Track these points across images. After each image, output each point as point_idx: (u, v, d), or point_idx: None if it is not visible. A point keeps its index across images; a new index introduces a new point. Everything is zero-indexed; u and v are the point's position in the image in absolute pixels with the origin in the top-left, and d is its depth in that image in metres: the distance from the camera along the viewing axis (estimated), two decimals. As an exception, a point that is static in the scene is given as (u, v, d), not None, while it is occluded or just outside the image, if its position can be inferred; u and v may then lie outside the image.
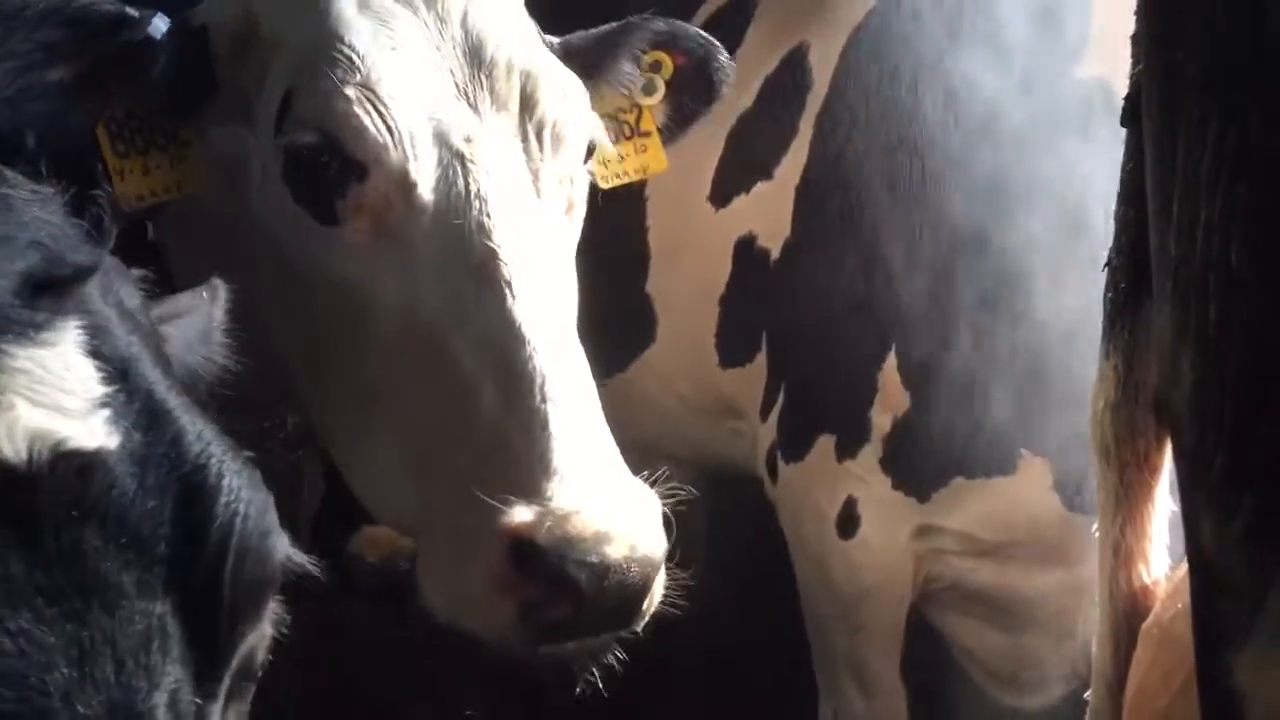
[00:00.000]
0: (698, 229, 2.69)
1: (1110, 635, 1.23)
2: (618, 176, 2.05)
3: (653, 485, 1.63)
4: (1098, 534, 1.25)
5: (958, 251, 2.41)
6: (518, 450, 1.56)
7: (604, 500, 1.54)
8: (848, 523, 2.58)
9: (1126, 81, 2.19)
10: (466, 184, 1.67)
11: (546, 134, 1.75)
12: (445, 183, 1.67)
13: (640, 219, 2.73)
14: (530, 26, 1.88)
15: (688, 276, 2.72)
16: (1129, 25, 2.11)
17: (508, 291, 1.62)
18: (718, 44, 2.06)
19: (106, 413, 0.93)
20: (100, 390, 0.94)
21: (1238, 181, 0.80)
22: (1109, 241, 2.16)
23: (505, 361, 1.60)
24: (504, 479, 1.53)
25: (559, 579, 1.50)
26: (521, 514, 1.51)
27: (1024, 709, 2.73)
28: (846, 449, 2.55)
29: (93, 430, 0.92)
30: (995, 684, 2.74)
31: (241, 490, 0.98)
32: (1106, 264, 1.17)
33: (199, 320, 1.24)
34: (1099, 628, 1.26)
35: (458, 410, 1.61)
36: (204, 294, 1.27)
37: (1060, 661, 2.60)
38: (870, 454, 2.52)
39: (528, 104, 1.75)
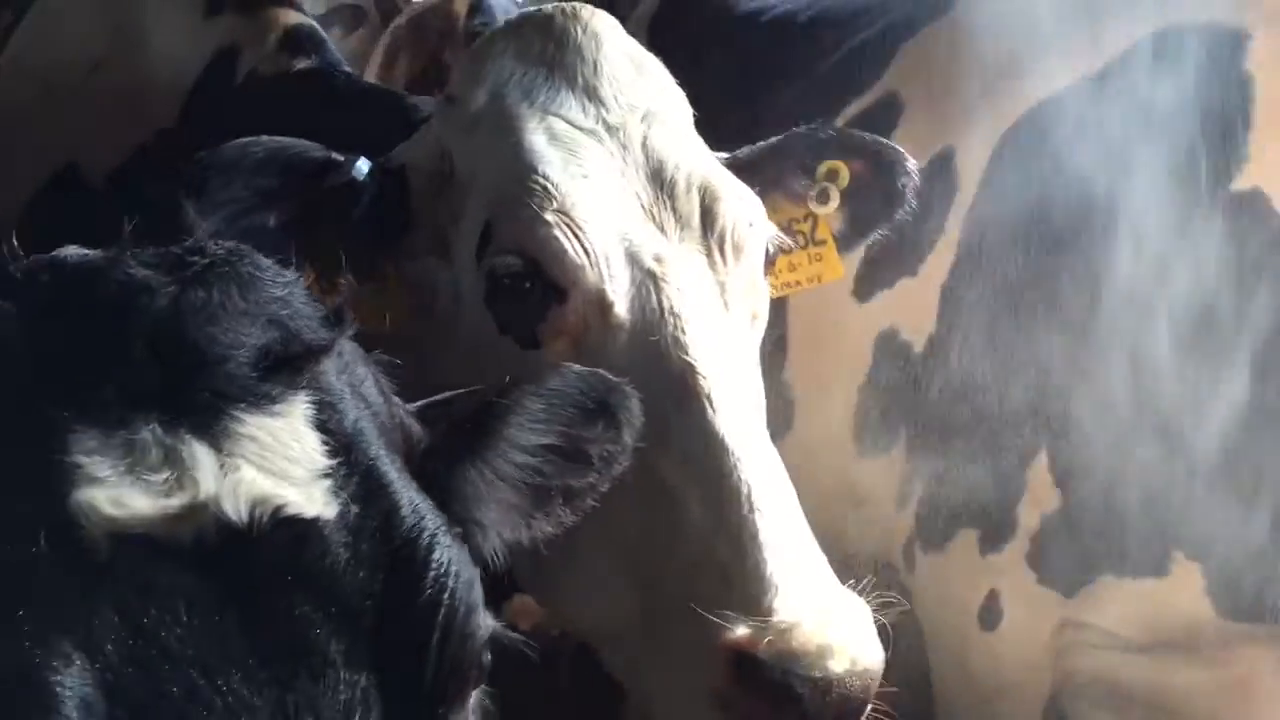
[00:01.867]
0: (839, 320, 2.76)
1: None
2: (789, 286, 2.12)
3: (860, 593, 1.66)
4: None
5: (1102, 349, 2.45)
6: (730, 562, 1.59)
7: (822, 612, 1.57)
8: (989, 615, 2.60)
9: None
10: (660, 301, 1.74)
11: (728, 246, 1.82)
12: (639, 301, 1.74)
13: (783, 306, 2.81)
14: (701, 144, 1.97)
15: (828, 366, 2.79)
16: None
17: (707, 404, 1.67)
18: (901, 151, 2.11)
19: (327, 483, 0.98)
20: (323, 462, 0.99)
21: None
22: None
23: (711, 473, 1.64)
24: (718, 592, 1.56)
25: (783, 694, 1.51)
26: (741, 628, 1.53)
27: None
28: (991, 543, 2.58)
29: (312, 499, 0.96)
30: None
31: (450, 565, 1.01)
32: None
33: None
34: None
35: (665, 523, 1.65)
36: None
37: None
38: (1016, 549, 2.55)
39: (708, 218, 1.82)
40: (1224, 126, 2.33)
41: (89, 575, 0.86)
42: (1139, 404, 2.43)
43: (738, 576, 1.57)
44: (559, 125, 1.81)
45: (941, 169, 2.66)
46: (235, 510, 0.93)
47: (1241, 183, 2.33)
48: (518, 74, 1.86)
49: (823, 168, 2.07)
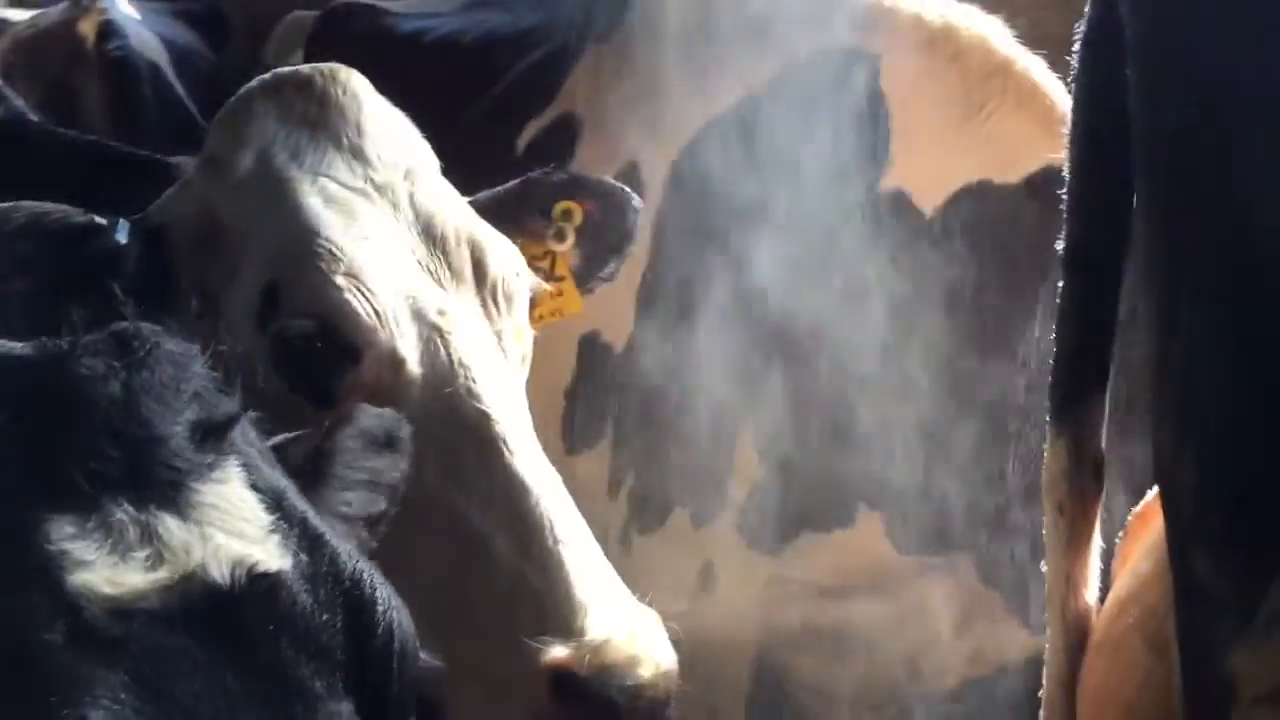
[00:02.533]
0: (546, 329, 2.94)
1: (1063, 647, 1.58)
2: (533, 322, 2.25)
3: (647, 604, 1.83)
4: (1047, 569, 1.60)
5: (787, 337, 2.78)
6: (542, 591, 1.70)
7: (626, 627, 1.71)
8: (705, 583, 2.88)
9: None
10: (448, 354, 1.80)
11: (500, 296, 1.93)
12: (428, 355, 1.80)
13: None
14: (457, 195, 2.05)
15: (537, 372, 2.96)
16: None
17: (504, 448, 1.76)
18: (628, 191, 2.30)
19: (277, 538, 1.06)
20: (266, 518, 1.07)
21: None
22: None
23: (515, 512, 1.74)
24: (534, 620, 1.67)
25: (603, 705, 1.63)
26: (559, 650, 1.64)
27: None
28: (703, 518, 2.86)
29: (270, 553, 1.05)
30: (833, 711, 3.10)
31: (391, 599, 1.12)
32: (1053, 366, 1.54)
33: None
34: (1051, 641, 1.61)
35: (477, 563, 1.74)
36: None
37: (890, 683, 2.99)
38: (726, 520, 2.84)
39: (479, 270, 1.92)
40: (870, 136, 2.72)
41: (104, 651, 0.92)
42: (818, 381, 2.78)
43: (550, 603, 1.68)
44: (331, 187, 1.84)
45: (629, 183, 2.90)
46: (220, 573, 1.00)
47: (887, 183, 2.73)
48: (281, 135, 1.87)
49: (558, 209, 2.20)
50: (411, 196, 1.90)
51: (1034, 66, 2.68)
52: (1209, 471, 1.20)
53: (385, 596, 1.10)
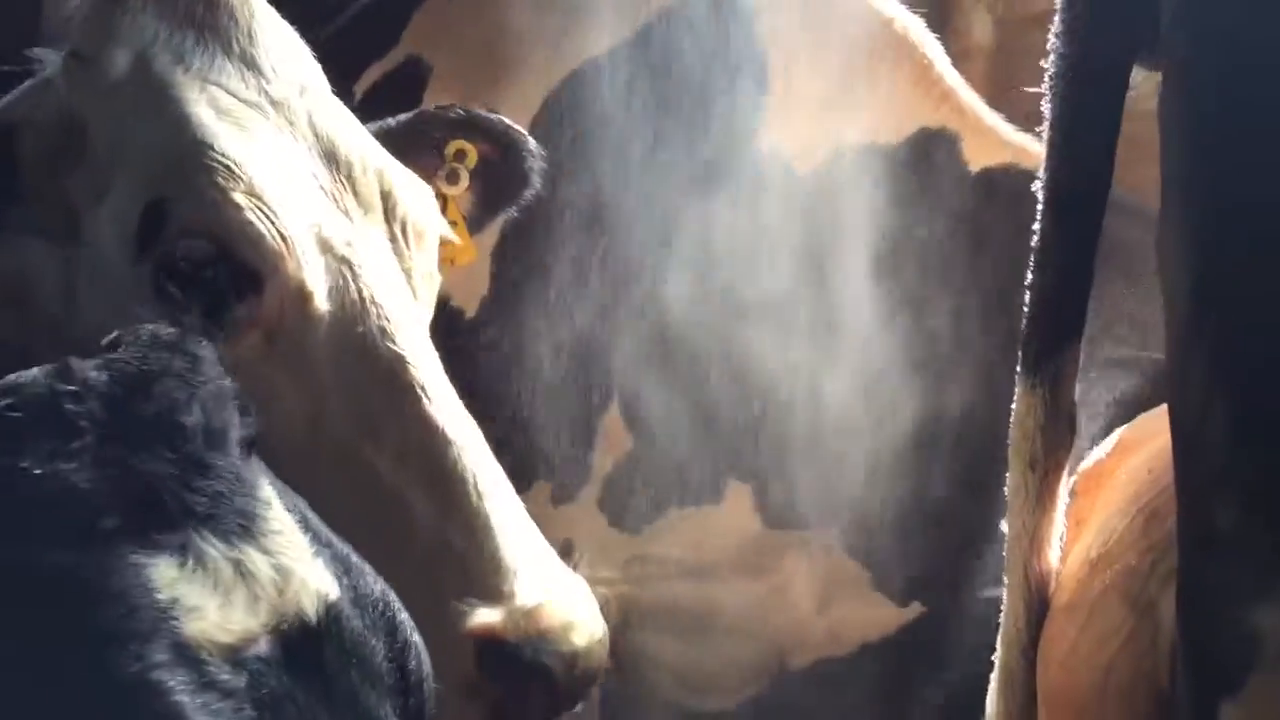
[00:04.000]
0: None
1: (1025, 609, 1.49)
2: None
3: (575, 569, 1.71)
4: (1007, 529, 1.51)
5: (658, 303, 2.64)
6: (467, 552, 1.54)
7: (558, 591, 1.57)
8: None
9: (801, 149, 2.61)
10: (359, 290, 1.61)
11: (410, 232, 1.73)
12: (338, 290, 1.60)
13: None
14: (358, 122, 1.83)
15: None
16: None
17: (422, 395, 1.58)
18: (523, 132, 2.11)
19: (320, 561, 1.02)
20: (305, 539, 1.02)
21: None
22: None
23: (434, 466, 1.56)
24: (458, 583, 1.51)
25: (535, 673, 1.50)
26: (487, 614, 1.50)
27: (713, 711, 3.00)
28: (564, 494, 2.68)
29: (323, 579, 1.00)
30: (689, 692, 2.99)
31: (408, 615, 1.09)
32: (1027, 316, 1.44)
33: None
34: (1010, 604, 1.52)
35: (389, 521, 1.55)
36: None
37: (751, 664, 2.90)
38: (588, 496, 2.67)
39: (389, 202, 1.72)
40: (747, 93, 2.60)
41: (228, 702, 0.89)
42: (688, 347, 2.64)
43: (476, 565, 1.53)
44: (223, 97, 1.60)
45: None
46: (310, 610, 0.98)
47: (762, 143, 2.62)
48: (164, 35, 1.60)
49: (451, 148, 2.01)
50: (310, 116, 1.67)
51: (914, 26, 2.62)
52: (1243, 420, 1.12)
53: (405, 617, 1.08)
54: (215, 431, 0.98)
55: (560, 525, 2.68)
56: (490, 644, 1.49)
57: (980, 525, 2.64)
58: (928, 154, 2.54)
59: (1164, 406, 1.61)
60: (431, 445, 1.56)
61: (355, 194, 1.67)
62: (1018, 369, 1.46)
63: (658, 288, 2.61)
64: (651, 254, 2.66)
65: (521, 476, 2.67)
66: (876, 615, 2.81)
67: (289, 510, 1.02)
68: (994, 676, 1.57)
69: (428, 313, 1.78)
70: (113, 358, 1.01)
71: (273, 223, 1.55)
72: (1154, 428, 1.55)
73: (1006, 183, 2.51)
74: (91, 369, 0.97)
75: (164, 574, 0.90)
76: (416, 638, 1.07)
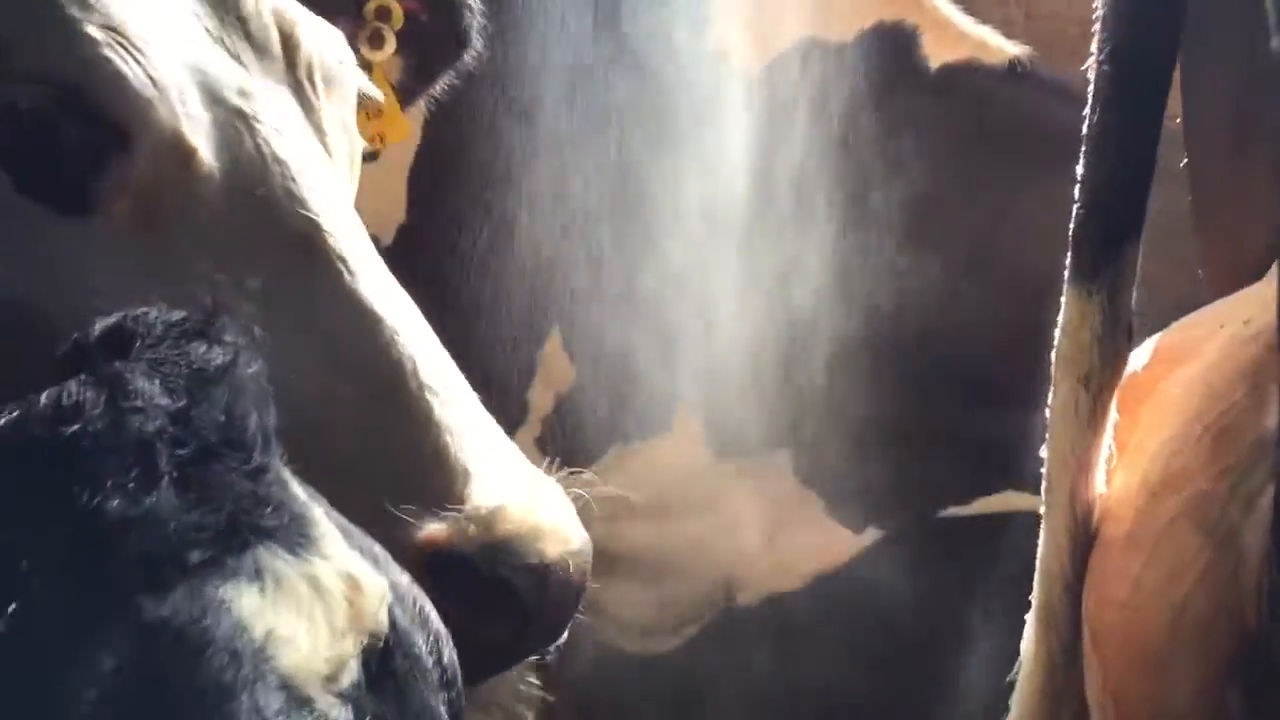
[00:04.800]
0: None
1: (1070, 542, 1.34)
2: None
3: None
4: (1049, 451, 1.35)
5: (599, 221, 2.42)
6: (406, 451, 1.26)
7: (524, 493, 1.29)
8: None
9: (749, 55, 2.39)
10: (257, 146, 1.31)
11: (318, 79, 1.43)
12: (230, 147, 1.30)
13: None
14: None
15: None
16: None
17: (342, 267, 1.29)
18: None
19: (356, 555, 0.90)
20: (339, 535, 0.91)
21: None
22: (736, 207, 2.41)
23: (364, 351, 1.28)
24: (398, 488, 1.23)
25: (496, 591, 1.23)
26: (434, 523, 1.22)
27: (657, 653, 2.84)
28: (501, 433, 2.46)
29: (375, 579, 0.89)
30: (631, 636, 2.83)
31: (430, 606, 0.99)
32: (1078, 210, 1.27)
33: None
34: (1053, 536, 1.37)
35: (318, 421, 1.25)
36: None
37: (698, 602, 2.75)
38: (526, 435, 2.46)
39: (289, 46, 1.41)
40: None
41: None
42: (628, 267, 2.44)
43: (419, 465, 1.26)
44: None
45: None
46: (381, 619, 0.88)
47: (707, 44, 2.40)
48: None
49: (372, 5, 1.72)
50: None
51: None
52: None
53: (430, 607, 0.98)
54: (267, 430, 0.87)
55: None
56: (440, 555, 1.21)
57: (940, 442, 2.52)
58: (884, 50, 2.36)
59: (1204, 313, 1.47)
60: (358, 326, 1.27)
61: (248, 37, 1.37)
62: (1068, 274, 1.30)
63: (593, 204, 2.39)
64: (585, 168, 2.43)
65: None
66: (831, 543, 2.68)
67: (314, 501, 0.88)
68: (1031, 616, 1.43)
69: (348, 174, 1.49)
70: (155, 359, 0.86)
71: (138, 62, 1.25)
72: (1197, 335, 1.40)
73: (968, 80, 2.35)
74: (140, 377, 0.83)
75: (249, 604, 0.78)
76: (442, 626, 0.94)
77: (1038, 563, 1.41)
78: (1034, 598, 1.42)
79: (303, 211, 1.30)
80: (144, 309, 0.91)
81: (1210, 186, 1.39)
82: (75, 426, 0.76)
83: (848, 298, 2.46)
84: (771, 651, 2.66)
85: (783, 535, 2.66)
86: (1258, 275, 1.53)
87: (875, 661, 2.68)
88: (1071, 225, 1.28)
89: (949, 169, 2.38)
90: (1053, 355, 1.33)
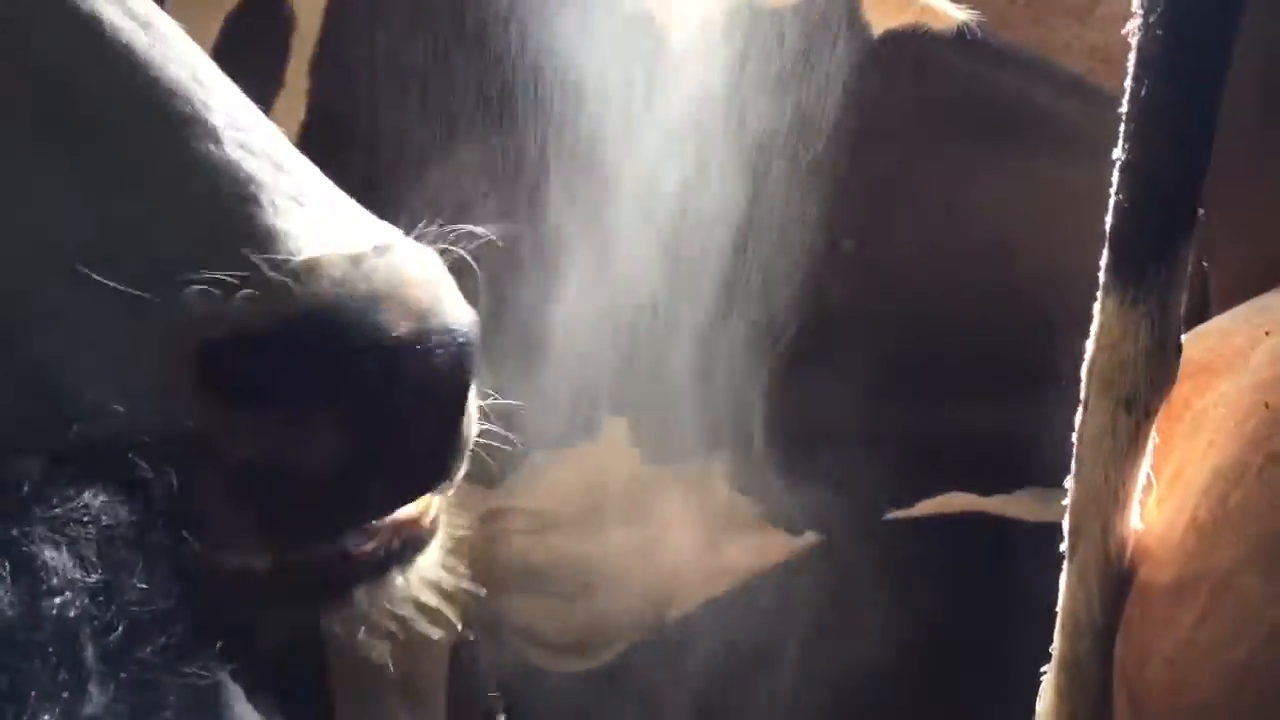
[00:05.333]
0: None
1: (1101, 587, 1.16)
2: None
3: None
4: (1078, 483, 1.16)
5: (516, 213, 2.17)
6: (179, 183, 0.85)
7: (357, 243, 0.86)
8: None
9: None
10: None
11: None
12: None
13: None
14: None
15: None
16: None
17: None
18: None
19: None
20: None
21: None
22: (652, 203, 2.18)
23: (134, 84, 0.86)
24: (145, 249, 0.81)
25: (307, 389, 0.80)
26: (201, 295, 0.79)
27: (584, 672, 2.65)
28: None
29: None
30: (556, 656, 2.62)
31: None
32: (1119, 202, 1.06)
33: None
34: (1081, 580, 1.18)
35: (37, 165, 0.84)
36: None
37: (627, 618, 2.56)
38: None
39: None
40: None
41: None
42: (552, 264, 2.19)
43: (183, 209, 0.84)
44: None
45: (270, 11, 2.13)
46: None
47: (630, 6, 2.15)
48: None
49: None
50: None
51: None
52: None
53: None
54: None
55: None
56: (216, 349, 0.79)
57: (881, 443, 2.35)
58: (823, 15, 2.14)
59: (1235, 317, 1.29)
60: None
61: None
62: (1105, 279, 1.10)
63: (512, 185, 2.14)
64: (504, 124, 2.17)
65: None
66: (767, 549, 2.50)
67: None
68: (1052, 669, 1.24)
69: None
70: (52, 519, 0.62)
71: None
72: (1235, 344, 1.22)
73: (914, 47, 2.15)
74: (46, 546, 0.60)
75: None
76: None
77: (1060, 611, 1.22)
78: (1055, 650, 1.23)
79: None
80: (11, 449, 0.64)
81: (1228, 169, 1.20)
82: None
83: (784, 292, 2.25)
84: (705, 660, 2.49)
85: (718, 544, 2.47)
86: (1283, 270, 1.36)
87: (813, 667, 2.53)
88: (1110, 220, 1.08)
89: (894, 145, 2.18)
90: (1084, 372, 1.14)
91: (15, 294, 0.80)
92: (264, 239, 0.82)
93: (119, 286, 0.77)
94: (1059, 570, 1.26)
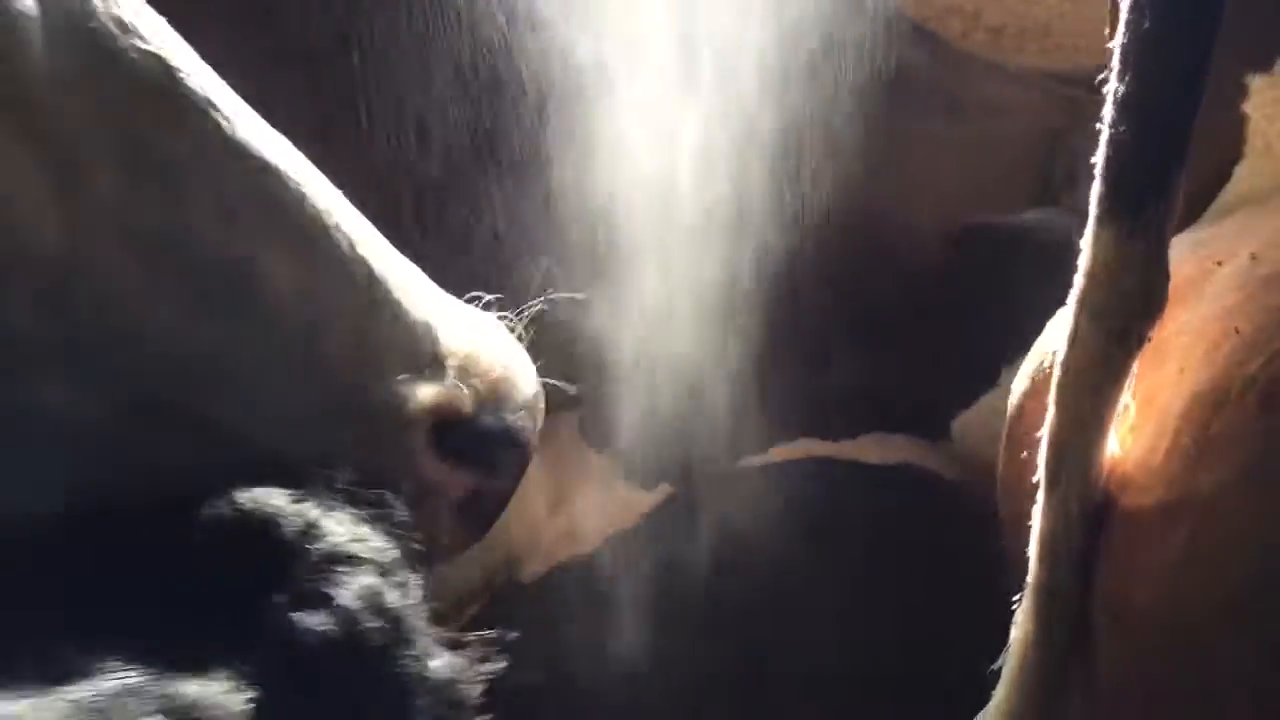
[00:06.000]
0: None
1: (1080, 513, 1.18)
2: None
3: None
4: (1061, 411, 1.17)
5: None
6: (363, 317, 1.12)
7: (483, 333, 1.27)
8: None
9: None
10: None
11: None
12: None
13: None
14: None
15: None
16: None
17: (216, 113, 1.01)
18: None
19: None
20: None
21: None
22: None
23: (272, 209, 1.05)
24: (364, 360, 1.11)
25: (509, 440, 1.23)
26: (426, 387, 1.14)
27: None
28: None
29: None
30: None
31: None
32: (1113, 135, 1.07)
33: None
34: (1062, 507, 1.18)
35: (237, 303, 1.06)
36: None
37: (478, 580, 2.48)
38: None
39: None
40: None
41: None
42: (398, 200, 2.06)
43: (381, 330, 1.14)
44: None
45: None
46: None
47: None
48: None
49: None
50: None
51: None
52: None
53: None
54: None
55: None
56: (447, 424, 1.16)
57: (737, 391, 2.35)
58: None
59: (1179, 247, 1.34)
60: (260, 183, 1.04)
61: None
62: (1097, 212, 1.11)
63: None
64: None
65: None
66: (622, 505, 2.47)
67: None
68: (1028, 596, 1.26)
69: None
70: None
71: None
72: (1186, 273, 1.26)
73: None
74: None
75: None
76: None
77: (1035, 539, 1.24)
78: (1031, 577, 1.25)
79: (144, 46, 0.97)
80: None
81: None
82: None
83: (638, 243, 2.21)
84: (560, 622, 2.44)
85: (570, 501, 2.42)
86: (1205, 200, 1.43)
87: (675, 621, 2.53)
88: (1103, 154, 1.09)
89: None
90: (1072, 303, 1.15)
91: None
92: (427, 331, 1.19)
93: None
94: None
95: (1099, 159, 1.10)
